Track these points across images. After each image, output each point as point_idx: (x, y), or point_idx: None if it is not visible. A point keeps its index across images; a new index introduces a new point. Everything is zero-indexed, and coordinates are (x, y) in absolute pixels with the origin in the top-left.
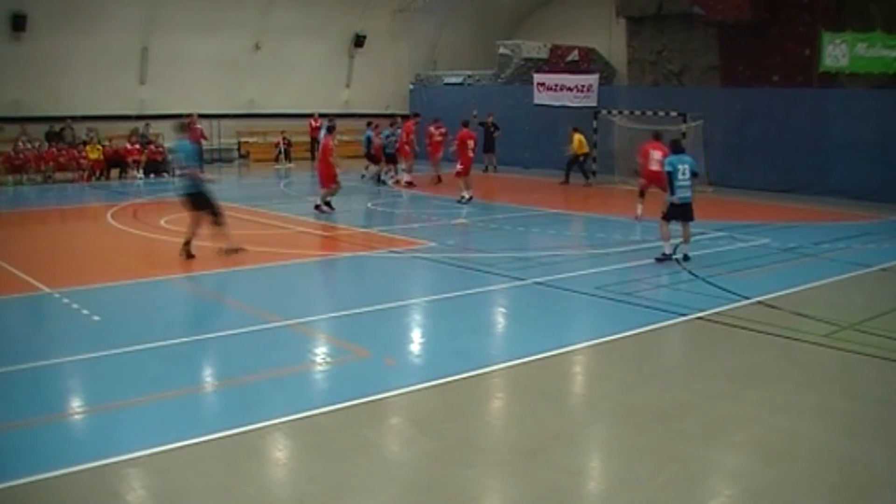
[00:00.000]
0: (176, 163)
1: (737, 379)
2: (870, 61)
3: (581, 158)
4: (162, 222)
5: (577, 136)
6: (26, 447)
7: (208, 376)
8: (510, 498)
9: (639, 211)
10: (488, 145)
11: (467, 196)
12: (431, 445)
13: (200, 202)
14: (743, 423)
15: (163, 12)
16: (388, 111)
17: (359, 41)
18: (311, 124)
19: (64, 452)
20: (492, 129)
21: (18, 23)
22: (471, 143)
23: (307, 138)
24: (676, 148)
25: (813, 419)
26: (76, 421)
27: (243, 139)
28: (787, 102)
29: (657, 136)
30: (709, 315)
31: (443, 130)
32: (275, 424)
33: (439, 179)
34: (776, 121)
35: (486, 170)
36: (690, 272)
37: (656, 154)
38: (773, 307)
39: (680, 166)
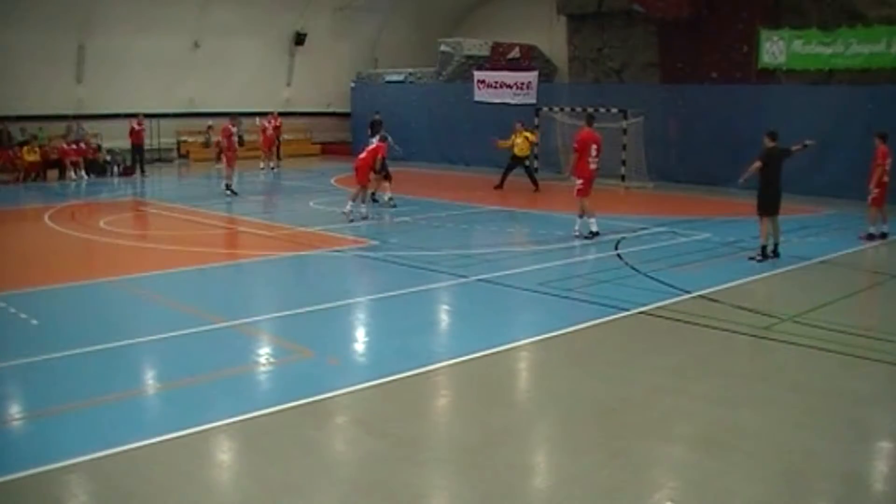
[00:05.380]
0: None
1: (679, 372)
2: (806, 58)
3: (525, 162)
4: (101, 223)
5: (522, 135)
6: None
7: (150, 379)
8: (456, 495)
9: None
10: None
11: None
12: (376, 444)
13: None
14: (685, 416)
15: (99, 10)
16: (330, 109)
17: (299, 39)
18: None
19: (2, 459)
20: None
21: None
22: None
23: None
24: None
25: (754, 411)
26: (15, 426)
27: (183, 139)
28: (726, 99)
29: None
30: (651, 309)
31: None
32: (218, 427)
33: None
34: (715, 117)
35: None
36: (632, 267)
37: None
38: (713, 301)
39: None
